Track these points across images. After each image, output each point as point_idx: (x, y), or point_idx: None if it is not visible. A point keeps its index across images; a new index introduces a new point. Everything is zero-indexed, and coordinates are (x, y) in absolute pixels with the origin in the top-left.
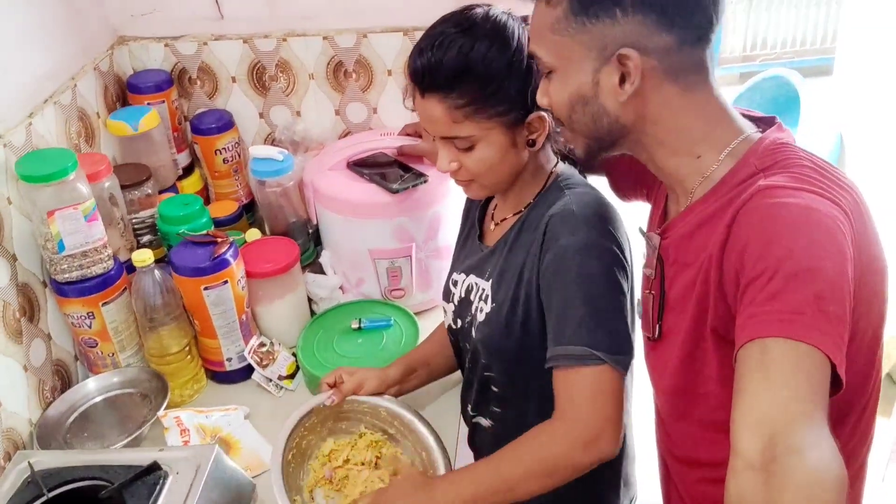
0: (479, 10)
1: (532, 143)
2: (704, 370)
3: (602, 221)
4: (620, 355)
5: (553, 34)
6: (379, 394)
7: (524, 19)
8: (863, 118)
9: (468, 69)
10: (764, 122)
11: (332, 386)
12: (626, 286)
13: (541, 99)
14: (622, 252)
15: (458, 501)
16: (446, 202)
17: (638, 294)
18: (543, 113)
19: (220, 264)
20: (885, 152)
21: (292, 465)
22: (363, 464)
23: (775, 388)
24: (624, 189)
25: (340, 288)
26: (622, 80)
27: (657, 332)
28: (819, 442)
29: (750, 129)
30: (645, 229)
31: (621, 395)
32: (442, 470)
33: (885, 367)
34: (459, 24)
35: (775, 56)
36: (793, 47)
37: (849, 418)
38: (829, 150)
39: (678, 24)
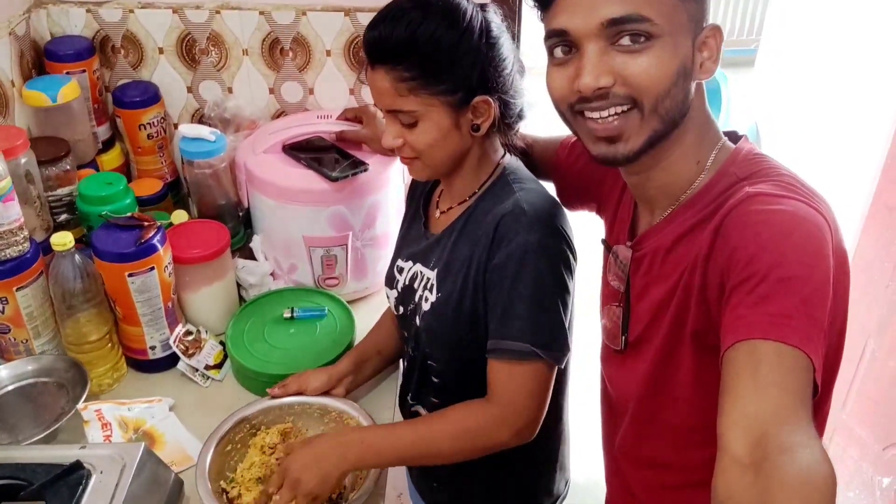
0: None
1: (477, 128)
2: (678, 375)
3: (553, 221)
4: (558, 352)
5: None
6: (327, 391)
7: (482, 6)
8: (779, 111)
9: (415, 44)
10: (727, 135)
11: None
12: (571, 285)
13: (597, 79)
14: (570, 250)
15: (375, 445)
16: (385, 191)
17: (592, 302)
18: (489, 97)
19: (147, 250)
20: (799, 145)
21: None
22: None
23: (765, 389)
24: (572, 198)
25: (272, 274)
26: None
27: (624, 344)
28: (809, 441)
29: (722, 134)
30: (607, 241)
31: (550, 388)
32: (373, 472)
33: None
34: (414, 2)
35: None
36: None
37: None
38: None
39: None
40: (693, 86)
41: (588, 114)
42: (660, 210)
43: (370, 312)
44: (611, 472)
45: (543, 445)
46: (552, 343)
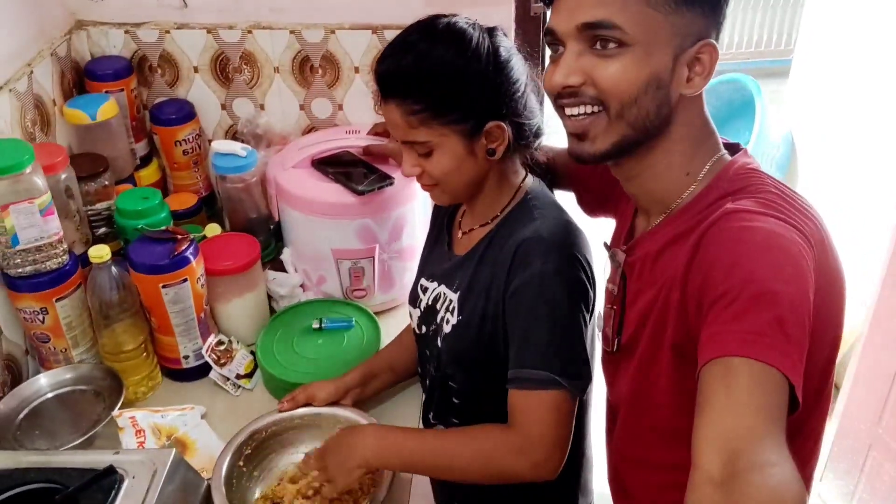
0: (443, 19)
1: (492, 153)
2: (660, 382)
3: (572, 248)
4: (578, 380)
5: (646, 7)
6: (335, 402)
7: (489, 30)
8: (815, 121)
9: (422, 76)
10: (729, 148)
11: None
12: (588, 314)
13: (566, 77)
14: (588, 278)
15: (395, 447)
16: (411, 204)
17: (600, 308)
18: (501, 122)
19: (180, 262)
20: (835, 155)
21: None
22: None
23: (737, 406)
24: (592, 205)
25: (301, 286)
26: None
27: (616, 346)
28: (780, 460)
29: (721, 147)
30: (609, 244)
31: (572, 418)
32: (387, 476)
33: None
34: (420, 32)
35: (731, 56)
36: (748, 49)
37: (797, 440)
38: (781, 151)
39: (717, 26)
40: (674, 97)
41: (565, 110)
42: (654, 217)
43: (397, 323)
44: (610, 473)
45: (566, 470)
46: (572, 371)
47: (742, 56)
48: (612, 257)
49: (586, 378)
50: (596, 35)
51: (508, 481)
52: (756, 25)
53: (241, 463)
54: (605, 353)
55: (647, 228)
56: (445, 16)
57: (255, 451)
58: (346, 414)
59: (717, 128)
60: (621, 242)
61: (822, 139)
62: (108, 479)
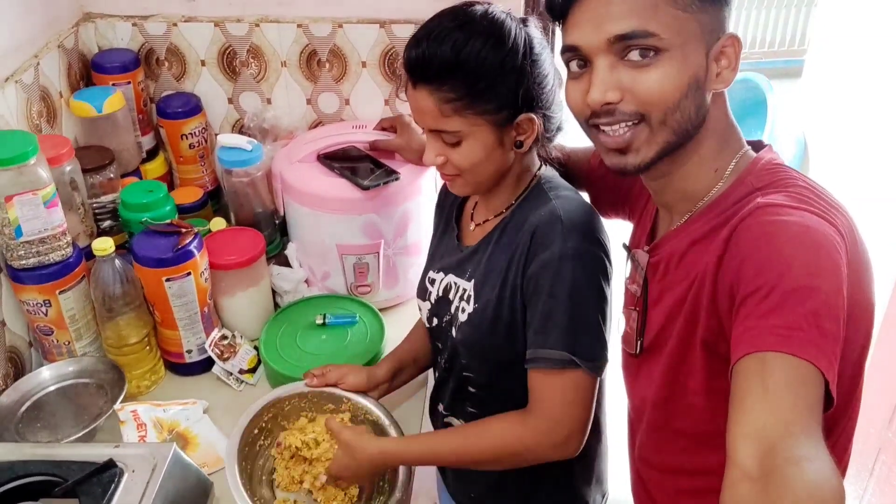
0: (478, 7)
1: (520, 145)
2: (689, 383)
3: (589, 228)
4: (597, 361)
5: (675, 9)
6: (362, 391)
7: (523, 21)
8: (828, 121)
9: (460, 65)
10: (752, 145)
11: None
12: (608, 293)
13: (604, 94)
14: (607, 258)
15: (415, 460)
16: (417, 200)
17: (618, 307)
18: (532, 115)
19: (184, 255)
20: (848, 155)
21: (248, 461)
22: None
23: (773, 401)
24: (606, 206)
25: (306, 281)
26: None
27: (639, 348)
28: (817, 455)
29: (745, 143)
30: (629, 245)
31: (593, 398)
32: (402, 477)
33: None
34: (457, 19)
35: (744, 56)
36: (761, 48)
37: (831, 437)
38: (793, 152)
39: (729, 18)
40: (708, 96)
41: (601, 127)
42: (678, 216)
43: (402, 320)
44: (634, 480)
45: (581, 459)
46: (591, 352)
47: (755, 56)
48: (634, 258)
49: (604, 359)
50: (629, 46)
51: (532, 463)
52: (770, 25)
53: (256, 431)
54: (626, 356)
55: (670, 227)
56: (479, 3)
57: (272, 420)
58: (370, 406)
59: None
60: (643, 243)
61: (835, 138)
62: (108, 472)
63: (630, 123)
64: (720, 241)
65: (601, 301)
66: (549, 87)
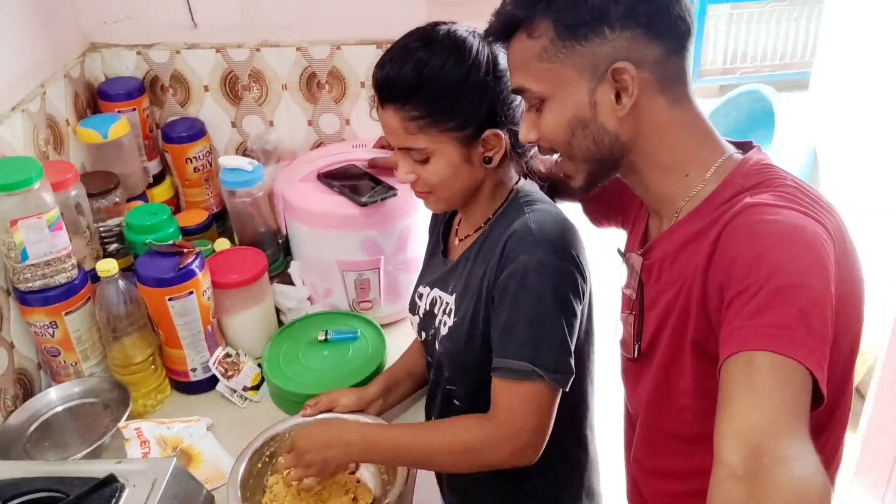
0: (442, 27)
1: (488, 160)
2: (681, 384)
3: (558, 241)
4: (559, 374)
5: (542, 62)
6: (356, 411)
7: (489, 40)
8: (837, 133)
9: (422, 83)
10: (741, 146)
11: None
12: (577, 307)
13: (527, 134)
14: (579, 271)
15: (377, 443)
16: (416, 216)
17: (613, 314)
18: (499, 130)
19: (186, 275)
20: (858, 168)
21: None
22: None
23: (761, 400)
24: (598, 216)
25: (309, 299)
26: (618, 96)
27: (636, 352)
28: (804, 454)
29: (731, 149)
30: (623, 250)
31: (553, 409)
32: (402, 475)
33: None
34: (420, 39)
35: (755, 69)
36: (772, 61)
37: (822, 436)
38: (802, 164)
39: (663, 34)
40: (611, 124)
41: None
42: (667, 218)
43: (405, 335)
44: (629, 487)
45: (567, 473)
46: (554, 364)
47: (767, 69)
48: (628, 262)
49: (567, 371)
50: (525, 97)
51: (489, 469)
52: (780, 37)
53: (259, 465)
54: (625, 361)
55: (661, 230)
56: (445, 23)
57: (274, 455)
58: (367, 420)
59: (737, 139)
60: (636, 247)
61: (844, 149)
62: (109, 487)
63: (557, 157)
64: (709, 242)
65: (567, 314)
66: (516, 102)
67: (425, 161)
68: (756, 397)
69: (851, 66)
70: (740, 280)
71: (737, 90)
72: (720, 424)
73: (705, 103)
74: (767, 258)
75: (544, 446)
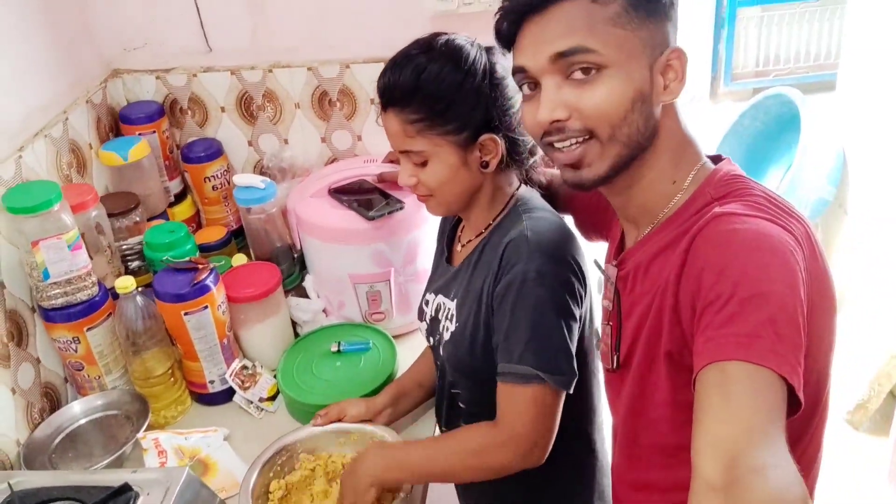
0: (442, 37)
1: (485, 165)
2: (656, 396)
3: (556, 248)
4: (562, 376)
5: (614, 27)
6: (365, 420)
7: (488, 49)
8: (866, 135)
9: (420, 87)
10: (710, 158)
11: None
12: (577, 311)
13: (552, 112)
14: (576, 276)
15: (397, 460)
16: (424, 228)
17: (597, 324)
18: (495, 136)
19: (201, 290)
20: (888, 169)
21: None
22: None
23: (735, 410)
24: (587, 228)
25: (323, 311)
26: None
27: (615, 363)
28: (780, 462)
29: (704, 156)
30: (601, 262)
31: (558, 411)
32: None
33: (887, 386)
34: (421, 47)
35: (788, 71)
36: (806, 62)
37: (799, 444)
38: (831, 167)
39: (675, 31)
40: (657, 108)
41: (555, 144)
42: (642, 229)
43: (417, 345)
44: (615, 500)
45: (576, 477)
46: (555, 367)
47: (801, 70)
48: (605, 274)
49: (570, 374)
50: (571, 63)
51: (501, 474)
52: (812, 38)
53: (271, 475)
54: (606, 372)
55: (637, 240)
56: (445, 33)
57: (285, 464)
58: (375, 430)
59: (766, 142)
60: (612, 258)
61: (874, 151)
62: (124, 495)
63: (580, 140)
64: (680, 252)
65: (567, 318)
66: (514, 109)
67: (424, 164)
68: (730, 408)
69: (878, 66)
70: (710, 289)
71: (762, 94)
72: (696, 436)
73: (736, 107)
74: (735, 267)
75: (550, 447)
